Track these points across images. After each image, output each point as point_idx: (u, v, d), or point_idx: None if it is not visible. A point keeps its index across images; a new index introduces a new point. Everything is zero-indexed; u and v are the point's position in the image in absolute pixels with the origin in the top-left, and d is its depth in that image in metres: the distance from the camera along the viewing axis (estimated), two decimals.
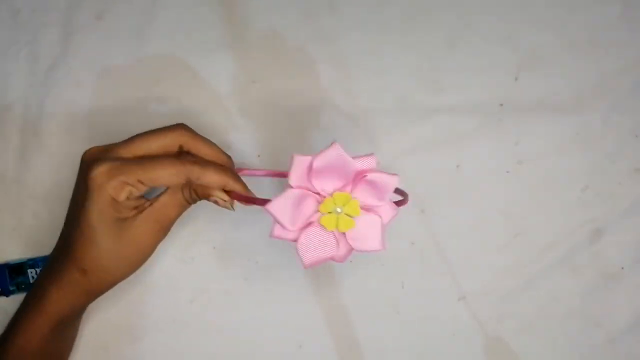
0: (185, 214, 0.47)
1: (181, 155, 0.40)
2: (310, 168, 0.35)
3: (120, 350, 0.46)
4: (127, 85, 0.49)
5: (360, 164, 0.36)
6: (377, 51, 0.50)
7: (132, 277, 0.47)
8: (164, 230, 0.40)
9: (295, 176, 0.36)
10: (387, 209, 0.38)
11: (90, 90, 0.49)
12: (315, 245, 0.36)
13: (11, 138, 0.48)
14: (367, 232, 0.37)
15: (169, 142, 0.39)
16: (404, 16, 0.50)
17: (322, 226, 0.36)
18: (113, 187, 0.37)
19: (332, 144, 0.35)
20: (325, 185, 0.36)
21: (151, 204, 0.39)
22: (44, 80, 0.49)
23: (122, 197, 0.37)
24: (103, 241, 0.38)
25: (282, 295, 0.47)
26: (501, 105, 0.49)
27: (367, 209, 0.37)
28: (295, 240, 0.36)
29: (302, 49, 0.49)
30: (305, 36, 0.50)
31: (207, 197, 0.39)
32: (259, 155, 0.48)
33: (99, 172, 0.37)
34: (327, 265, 0.48)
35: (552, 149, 0.49)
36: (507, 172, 0.49)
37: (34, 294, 0.41)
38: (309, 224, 0.36)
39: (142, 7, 0.50)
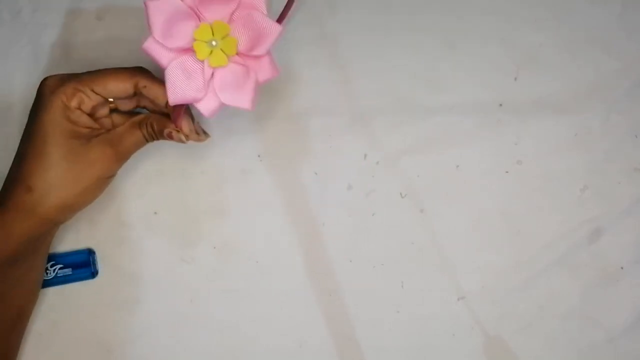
0: (185, 214, 0.48)
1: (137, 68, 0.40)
2: (157, 42, 0.35)
3: (121, 350, 0.46)
4: None
5: None
6: (376, 51, 0.50)
7: (132, 276, 0.47)
8: (117, 158, 0.40)
9: (161, 57, 0.36)
10: (265, 66, 0.37)
11: None
12: (182, 78, 0.36)
13: (12, 138, 0.48)
14: (237, 84, 0.36)
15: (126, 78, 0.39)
16: (403, 16, 0.50)
17: (194, 54, 0.35)
18: (64, 92, 0.37)
19: (144, 5, 0.34)
20: (182, 38, 0.35)
21: (108, 131, 0.40)
22: None
23: (73, 103, 0.37)
24: (54, 153, 0.37)
25: (282, 295, 0.47)
26: (500, 105, 0.49)
27: (245, 58, 0.36)
28: (220, 101, 0.36)
29: (303, 50, 0.49)
30: (305, 37, 0.50)
31: (162, 133, 0.40)
32: (259, 156, 0.48)
33: (52, 79, 0.38)
34: (327, 265, 0.48)
35: (552, 149, 0.49)
36: (507, 172, 0.49)
37: None
38: (212, 78, 0.36)
39: (142, 7, 0.50)
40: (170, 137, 0.40)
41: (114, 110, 0.42)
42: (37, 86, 0.48)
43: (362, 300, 0.47)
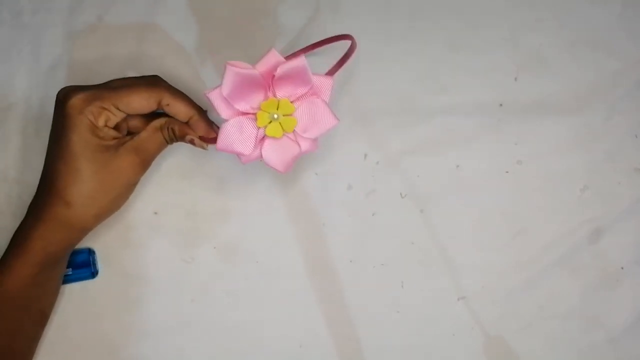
0: (186, 214, 0.48)
1: (156, 80, 0.41)
2: (223, 98, 0.37)
3: (122, 350, 0.46)
4: None
5: (261, 67, 0.37)
6: (377, 51, 0.50)
7: (133, 277, 0.47)
8: (143, 164, 0.41)
9: (221, 110, 0.38)
10: (321, 85, 0.38)
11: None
12: (280, 151, 0.38)
13: (12, 138, 0.48)
14: (282, 153, 0.39)
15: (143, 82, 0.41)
16: (404, 17, 0.50)
17: (254, 119, 0.38)
18: (91, 112, 0.38)
19: (225, 67, 0.36)
20: (248, 103, 0.38)
21: (132, 138, 0.41)
22: (45, 81, 0.49)
23: (100, 122, 0.39)
24: (86, 167, 0.39)
25: (282, 295, 0.47)
26: (501, 105, 0.49)
27: (296, 135, 0.38)
28: (261, 157, 0.38)
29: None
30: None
31: (183, 137, 0.41)
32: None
33: (77, 99, 0.38)
34: (327, 265, 0.48)
35: (552, 149, 0.49)
36: (507, 172, 0.49)
37: (18, 235, 0.41)
38: (263, 140, 0.38)
39: (142, 8, 0.50)
40: (192, 143, 0.42)
41: None
42: (38, 86, 0.49)
43: (362, 300, 0.47)
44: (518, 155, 0.49)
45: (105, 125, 0.39)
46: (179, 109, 0.40)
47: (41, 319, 0.44)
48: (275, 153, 0.39)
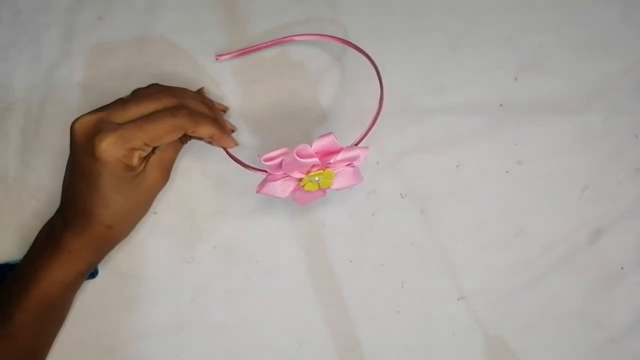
0: (185, 214, 0.48)
1: (175, 108, 0.41)
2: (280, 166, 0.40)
3: (122, 350, 0.46)
4: (127, 87, 0.49)
5: (317, 147, 0.39)
6: (377, 51, 0.50)
7: (132, 277, 0.47)
8: (168, 173, 0.44)
9: (271, 170, 0.41)
10: (359, 153, 0.41)
11: (91, 91, 0.49)
12: (279, 189, 0.42)
13: (12, 138, 0.48)
14: (345, 178, 0.43)
15: (160, 106, 0.41)
16: (404, 17, 0.50)
17: (297, 179, 0.41)
18: (124, 156, 0.39)
19: (293, 157, 0.39)
20: (299, 172, 0.41)
21: (154, 152, 0.42)
22: (45, 81, 0.49)
23: (135, 162, 0.40)
24: (123, 199, 0.41)
25: (282, 295, 0.47)
26: (501, 105, 0.49)
27: (339, 164, 0.42)
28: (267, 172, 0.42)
29: (303, 50, 0.50)
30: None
31: (199, 138, 0.43)
32: (259, 155, 0.48)
33: (108, 146, 0.38)
34: (327, 265, 0.48)
35: (552, 149, 0.49)
36: (507, 172, 0.49)
37: (56, 247, 0.41)
38: (297, 188, 0.42)
39: (143, 8, 0.50)
40: (210, 143, 0.44)
41: None
42: (38, 86, 0.48)
43: (362, 300, 0.47)
44: (518, 155, 0.49)
45: (139, 160, 0.40)
46: (202, 133, 0.41)
47: (63, 320, 0.46)
48: (303, 198, 0.43)
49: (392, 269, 0.48)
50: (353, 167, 0.42)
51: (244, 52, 0.49)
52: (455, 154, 0.49)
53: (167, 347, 0.47)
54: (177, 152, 0.44)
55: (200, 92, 0.47)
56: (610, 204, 0.48)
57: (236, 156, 0.44)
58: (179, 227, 0.48)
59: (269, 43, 0.49)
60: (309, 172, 0.41)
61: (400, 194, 0.48)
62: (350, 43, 0.47)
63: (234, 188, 0.48)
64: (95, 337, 0.46)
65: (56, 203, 0.47)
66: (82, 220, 0.41)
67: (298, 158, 0.39)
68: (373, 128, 0.44)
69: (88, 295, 0.47)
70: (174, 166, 0.48)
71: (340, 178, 0.42)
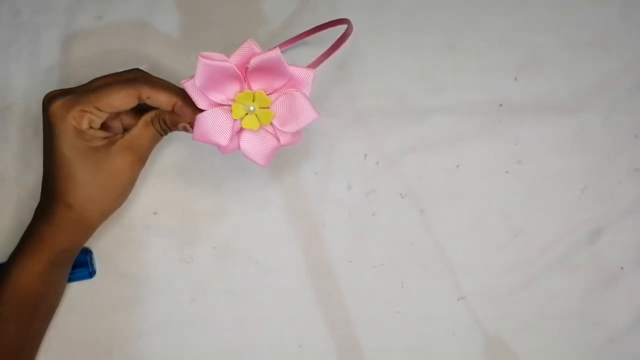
0: (185, 214, 0.48)
1: (134, 76, 0.40)
2: (198, 89, 0.36)
3: (121, 350, 0.46)
4: None
5: (235, 59, 0.36)
6: (377, 51, 0.50)
7: (132, 277, 0.47)
8: (140, 160, 0.42)
9: (197, 101, 0.37)
10: (301, 77, 0.37)
11: None
12: (258, 144, 0.38)
13: (11, 138, 0.48)
14: (260, 146, 0.38)
15: (123, 77, 0.40)
16: (404, 16, 0.50)
17: (229, 110, 0.37)
18: (73, 117, 0.38)
19: (197, 59, 0.35)
20: (223, 94, 0.37)
21: (123, 135, 0.41)
22: (45, 80, 0.49)
23: (84, 125, 0.39)
24: (80, 171, 0.39)
25: (282, 295, 0.47)
26: (501, 105, 0.49)
27: (275, 129, 0.38)
28: (239, 148, 0.38)
29: (302, 50, 0.49)
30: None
31: (176, 126, 0.41)
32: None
33: (57, 106, 0.39)
34: (327, 265, 0.48)
35: (552, 149, 0.49)
36: (507, 172, 0.49)
37: (28, 236, 0.41)
38: (240, 132, 0.38)
39: (142, 7, 0.50)
40: (185, 130, 0.41)
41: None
42: (37, 86, 0.48)
43: (362, 300, 0.47)
44: (518, 155, 0.49)
45: (90, 127, 0.40)
46: (161, 100, 0.40)
47: (48, 316, 0.45)
48: (253, 146, 0.39)
49: (392, 269, 0.48)
50: (299, 92, 0.37)
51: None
52: (455, 154, 0.49)
53: (167, 347, 0.47)
54: (152, 141, 0.42)
55: None
56: (610, 204, 0.49)
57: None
58: (179, 227, 0.48)
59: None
60: (236, 95, 0.37)
61: (400, 194, 0.48)
62: (315, 29, 0.43)
63: (234, 188, 0.48)
64: (94, 337, 0.46)
65: None
66: (46, 203, 0.41)
67: (205, 60, 0.35)
68: (327, 58, 0.40)
69: (88, 295, 0.47)
70: (173, 165, 0.48)
71: (286, 112, 0.38)
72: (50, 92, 0.40)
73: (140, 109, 0.42)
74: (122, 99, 0.39)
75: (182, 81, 0.37)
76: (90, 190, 0.40)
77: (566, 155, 0.49)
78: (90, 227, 0.42)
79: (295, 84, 0.38)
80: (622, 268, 0.48)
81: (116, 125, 0.43)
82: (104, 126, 0.41)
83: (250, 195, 0.48)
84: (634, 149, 0.49)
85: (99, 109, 0.39)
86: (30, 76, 0.49)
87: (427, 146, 0.49)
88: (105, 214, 0.42)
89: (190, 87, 0.37)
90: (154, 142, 0.42)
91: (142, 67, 0.49)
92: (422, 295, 0.48)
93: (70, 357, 0.46)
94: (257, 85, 0.37)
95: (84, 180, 0.40)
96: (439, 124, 0.49)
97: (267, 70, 0.37)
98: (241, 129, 0.38)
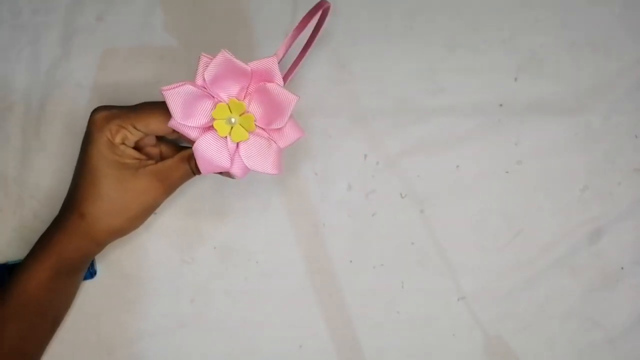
0: (185, 214, 0.48)
1: None
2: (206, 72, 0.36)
3: (122, 350, 0.46)
4: (127, 86, 0.49)
5: (199, 79, 0.36)
6: (377, 52, 0.50)
7: (132, 277, 0.47)
8: (166, 191, 0.42)
9: (187, 133, 0.37)
10: (288, 132, 0.37)
11: (91, 91, 0.49)
12: (209, 152, 0.37)
13: (12, 138, 0.48)
14: (261, 154, 0.38)
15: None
16: (404, 17, 0.50)
17: (216, 131, 0.37)
18: (109, 130, 0.39)
19: (220, 52, 0.35)
20: (203, 117, 0.37)
21: (156, 162, 0.41)
22: (45, 81, 0.49)
23: (117, 139, 0.40)
24: (102, 182, 0.40)
25: (282, 295, 0.47)
26: (501, 105, 0.49)
27: (266, 129, 0.37)
28: (248, 168, 0.38)
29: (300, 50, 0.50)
30: (306, 37, 0.50)
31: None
32: None
33: (98, 116, 0.40)
34: (327, 265, 0.48)
35: (552, 149, 0.49)
36: (507, 172, 0.49)
37: (40, 241, 0.42)
38: (238, 148, 0.37)
39: (142, 8, 0.50)
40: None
41: (162, 138, 0.44)
42: (38, 87, 0.49)
43: (362, 301, 0.47)
44: (518, 155, 0.49)
45: (123, 143, 0.40)
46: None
47: (53, 325, 0.45)
48: (254, 158, 0.38)
49: (392, 269, 0.48)
50: (271, 84, 0.36)
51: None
52: (455, 154, 0.49)
53: (167, 347, 0.47)
54: (183, 176, 0.42)
55: None
56: (610, 204, 0.49)
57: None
58: (179, 227, 0.48)
59: (293, 68, 0.43)
60: (211, 112, 0.37)
61: (400, 194, 0.48)
62: (301, 23, 0.40)
63: (234, 188, 0.48)
64: (95, 337, 0.46)
65: (56, 203, 0.47)
66: (63, 209, 0.41)
67: (168, 91, 0.35)
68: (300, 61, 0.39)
69: (88, 295, 0.47)
70: None
71: (265, 108, 0.37)
72: (99, 106, 0.41)
73: (183, 146, 0.43)
74: (159, 124, 0.40)
75: (169, 124, 0.38)
76: (107, 204, 0.40)
77: (566, 156, 0.49)
78: (98, 242, 0.42)
79: (263, 77, 0.37)
80: (622, 268, 0.48)
81: (154, 151, 0.43)
82: (141, 149, 0.42)
83: (250, 196, 0.48)
84: (634, 149, 0.49)
85: (135, 127, 0.40)
86: (30, 76, 0.49)
87: (427, 146, 0.49)
88: (115, 232, 0.42)
89: (175, 124, 0.37)
90: (185, 178, 0.42)
91: (144, 70, 0.49)
92: (422, 295, 0.48)
93: (70, 357, 0.46)
94: (227, 95, 0.37)
95: (104, 192, 0.40)
96: (439, 124, 0.49)
97: (227, 75, 0.36)
98: (237, 146, 0.38)
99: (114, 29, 0.50)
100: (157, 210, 0.47)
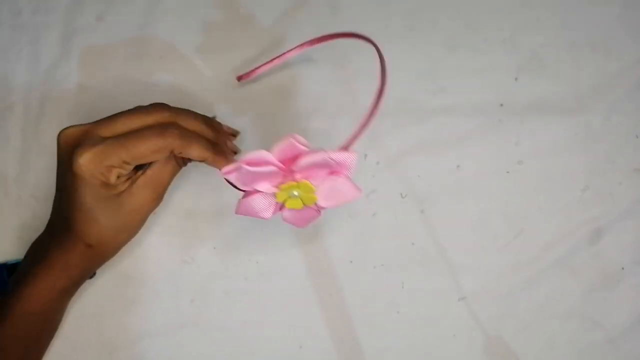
0: (186, 214, 0.48)
1: (165, 126, 0.38)
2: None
3: (122, 351, 0.46)
4: (127, 86, 0.49)
5: (278, 155, 0.36)
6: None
7: (132, 277, 0.47)
8: (159, 196, 0.41)
9: (240, 185, 0.37)
10: (344, 161, 0.36)
11: (91, 91, 0.49)
12: (255, 207, 0.38)
13: (12, 138, 0.48)
14: (302, 218, 0.39)
15: (150, 121, 0.39)
16: (404, 16, 0.50)
17: (273, 195, 0.37)
18: (101, 174, 0.38)
19: (322, 151, 0.35)
20: (268, 183, 0.37)
21: (144, 173, 0.40)
22: (45, 81, 0.49)
23: (112, 180, 0.38)
24: (103, 217, 0.39)
25: (282, 295, 0.47)
26: (501, 105, 0.49)
27: (323, 177, 0.37)
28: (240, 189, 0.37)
29: (303, 50, 0.50)
30: (306, 37, 0.50)
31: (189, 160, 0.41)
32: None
33: (85, 161, 0.37)
34: (327, 265, 0.48)
35: (552, 149, 0.49)
36: (507, 172, 0.49)
37: (42, 262, 0.40)
38: (284, 206, 0.38)
39: (142, 8, 0.50)
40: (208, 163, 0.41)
41: None
42: (38, 87, 0.48)
43: (362, 301, 0.47)
44: (518, 155, 0.49)
45: (118, 177, 0.39)
46: (193, 155, 0.39)
47: (50, 339, 0.45)
48: (294, 217, 0.39)
49: (392, 269, 0.48)
50: (342, 176, 0.37)
51: (262, 65, 0.46)
52: (455, 154, 0.49)
53: (167, 347, 0.47)
54: (172, 174, 0.41)
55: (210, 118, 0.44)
56: (610, 204, 0.49)
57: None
58: (179, 227, 0.48)
59: (286, 53, 0.45)
60: (280, 184, 0.37)
61: (400, 194, 0.48)
62: (358, 34, 0.42)
63: (234, 188, 0.48)
64: (95, 338, 0.46)
65: None
66: (64, 236, 0.40)
67: (248, 167, 0.35)
68: (363, 131, 0.39)
69: (88, 295, 0.47)
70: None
71: (329, 192, 0.38)
72: (68, 131, 0.38)
73: None
74: (154, 155, 0.38)
75: (223, 174, 0.37)
76: (110, 231, 0.40)
77: (566, 156, 0.49)
78: (104, 260, 0.43)
79: (339, 168, 0.37)
80: (622, 268, 0.48)
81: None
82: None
83: None
84: (634, 149, 0.49)
85: (127, 163, 0.38)
86: (30, 76, 0.49)
87: (428, 146, 0.49)
88: (120, 247, 0.43)
89: (233, 179, 0.37)
90: (173, 175, 0.42)
91: (141, 68, 0.49)
92: (422, 295, 0.48)
93: (71, 356, 0.46)
94: (301, 175, 0.37)
95: (106, 224, 0.39)
96: (440, 124, 0.49)
97: (312, 166, 0.36)
98: (283, 207, 0.38)
99: (114, 29, 0.50)
100: (156, 210, 0.47)
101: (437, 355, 0.47)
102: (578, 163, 0.49)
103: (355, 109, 0.49)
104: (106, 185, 0.38)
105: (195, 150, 0.38)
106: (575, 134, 0.49)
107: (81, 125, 0.38)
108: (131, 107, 0.42)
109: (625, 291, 0.48)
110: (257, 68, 0.46)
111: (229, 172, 0.36)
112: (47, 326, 0.43)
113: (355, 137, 0.37)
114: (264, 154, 0.35)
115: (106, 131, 0.38)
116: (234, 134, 0.47)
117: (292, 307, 0.47)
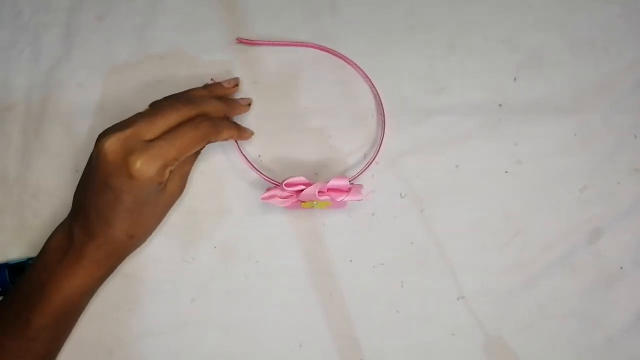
0: (186, 214, 0.48)
1: (196, 119, 0.42)
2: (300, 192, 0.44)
3: (122, 351, 0.46)
4: (128, 86, 0.49)
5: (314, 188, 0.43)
6: (377, 52, 0.50)
7: (133, 276, 0.47)
8: (184, 184, 0.46)
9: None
10: (355, 189, 0.44)
11: (92, 91, 0.49)
12: (280, 201, 0.45)
13: (13, 138, 0.48)
14: (344, 202, 0.45)
15: (185, 116, 0.42)
16: (404, 17, 0.50)
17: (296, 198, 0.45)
18: (158, 174, 0.40)
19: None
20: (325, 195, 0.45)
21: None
22: (46, 81, 0.49)
23: (165, 177, 0.41)
24: (147, 212, 0.43)
25: (282, 295, 0.47)
26: (500, 105, 0.49)
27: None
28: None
29: (303, 50, 0.50)
30: (306, 37, 0.50)
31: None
32: (259, 156, 0.48)
33: (143, 165, 0.39)
34: (328, 265, 0.48)
35: (552, 149, 0.49)
36: (507, 172, 0.49)
37: (76, 254, 0.42)
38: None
39: (142, 8, 0.50)
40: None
41: None
42: (38, 86, 0.49)
43: (362, 300, 0.47)
44: (518, 155, 0.49)
45: (168, 174, 0.42)
46: (223, 138, 0.44)
47: (74, 324, 0.46)
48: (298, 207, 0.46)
49: (392, 269, 0.48)
50: (351, 197, 0.45)
51: (265, 43, 0.49)
52: (455, 154, 0.49)
53: (167, 347, 0.47)
54: (193, 162, 0.46)
55: (213, 85, 0.47)
56: (610, 204, 0.49)
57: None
58: (179, 227, 0.48)
59: (291, 44, 0.50)
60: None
61: (400, 194, 0.48)
62: (364, 73, 0.49)
63: (234, 188, 0.48)
64: (95, 337, 0.46)
65: (56, 203, 0.47)
66: (105, 232, 0.41)
67: (315, 194, 0.43)
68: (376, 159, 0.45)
69: None
70: None
71: (339, 204, 0.45)
72: (111, 137, 0.39)
73: None
74: (195, 147, 0.41)
75: (263, 199, 0.44)
76: (152, 221, 0.44)
77: (565, 155, 0.49)
78: (138, 247, 0.45)
79: (353, 194, 0.44)
80: (622, 268, 0.48)
81: None
82: None
83: (250, 196, 0.48)
84: (634, 149, 0.49)
85: (176, 160, 0.41)
86: (31, 76, 0.49)
87: (427, 146, 0.49)
88: (148, 236, 0.45)
89: (267, 198, 0.44)
90: (194, 162, 0.46)
91: (145, 69, 0.49)
92: (422, 295, 0.48)
93: (71, 356, 0.46)
94: (323, 197, 0.44)
95: (148, 215, 0.43)
96: (439, 124, 0.49)
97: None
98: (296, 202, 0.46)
99: (114, 29, 0.50)
100: None
101: (437, 355, 0.47)
102: (577, 163, 0.49)
103: (355, 109, 0.49)
104: (160, 183, 0.41)
105: (225, 134, 0.43)
106: (574, 134, 0.49)
107: (119, 131, 0.40)
108: (131, 107, 0.42)
109: (625, 291, 0.48)
110: (259, 42, 0.49)
111: (292, 185, 0.44)
112: (75, 317, 0.44)
113: (365, 168, 0.46)
114: (302, 183, 0.44)
115: (148, 134, 0.40)
116: (249, 103, 0.48)
117: (292, 306, 0.47)
